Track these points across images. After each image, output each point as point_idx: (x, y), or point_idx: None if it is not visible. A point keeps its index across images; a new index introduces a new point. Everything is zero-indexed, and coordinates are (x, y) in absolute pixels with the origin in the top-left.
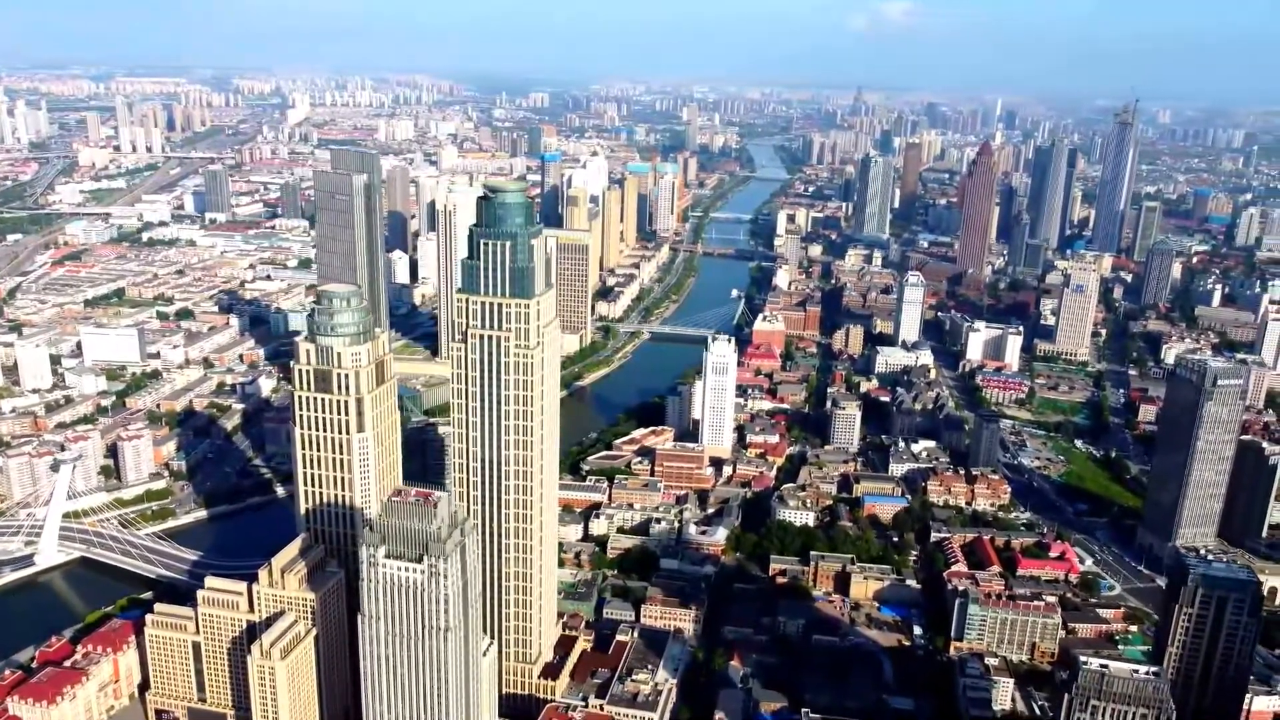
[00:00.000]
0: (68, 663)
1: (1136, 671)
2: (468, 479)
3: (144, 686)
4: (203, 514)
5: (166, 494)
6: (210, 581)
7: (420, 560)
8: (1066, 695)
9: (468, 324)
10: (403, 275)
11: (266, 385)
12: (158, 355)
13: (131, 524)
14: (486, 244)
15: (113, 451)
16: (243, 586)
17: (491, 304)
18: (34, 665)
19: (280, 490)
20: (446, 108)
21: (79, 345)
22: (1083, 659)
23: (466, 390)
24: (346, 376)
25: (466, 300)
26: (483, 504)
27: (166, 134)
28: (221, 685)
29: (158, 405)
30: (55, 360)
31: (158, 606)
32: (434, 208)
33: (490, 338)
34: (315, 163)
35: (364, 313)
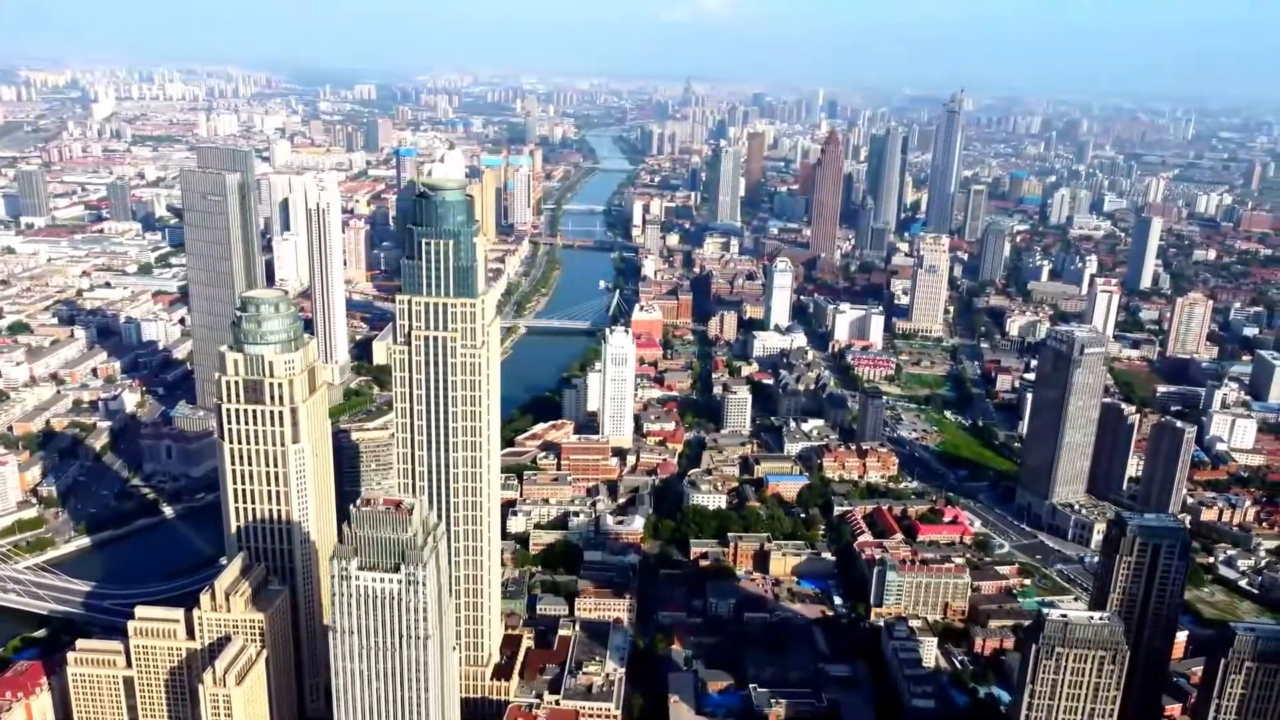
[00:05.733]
0: None
1: (1093, 618)
2: (413, 483)
3: None
4: (85, 541)
5: (40, 523)
6: (141, 611)
7: (397, 570)
8: (1034, 645)
9: (410, 325)
10: None
11: (130, 400)
12: None
13: (6, 557)
14: (428, 243)
15: None
16: (178, 613)
17: (435, 304)
18: None
19: (169, 510)
20: (268, 100)
21: None
22: (1046, 611)
23: (411, 394)
24: (280, 386)
25: (409, 301)
26: (430, 508)
27: None
28: None
29: (10, 428)
30: None
31: (80, 643)
32: (288, 206)
33: (435, 339)
34: (134, 159)
35: (293, 318)
